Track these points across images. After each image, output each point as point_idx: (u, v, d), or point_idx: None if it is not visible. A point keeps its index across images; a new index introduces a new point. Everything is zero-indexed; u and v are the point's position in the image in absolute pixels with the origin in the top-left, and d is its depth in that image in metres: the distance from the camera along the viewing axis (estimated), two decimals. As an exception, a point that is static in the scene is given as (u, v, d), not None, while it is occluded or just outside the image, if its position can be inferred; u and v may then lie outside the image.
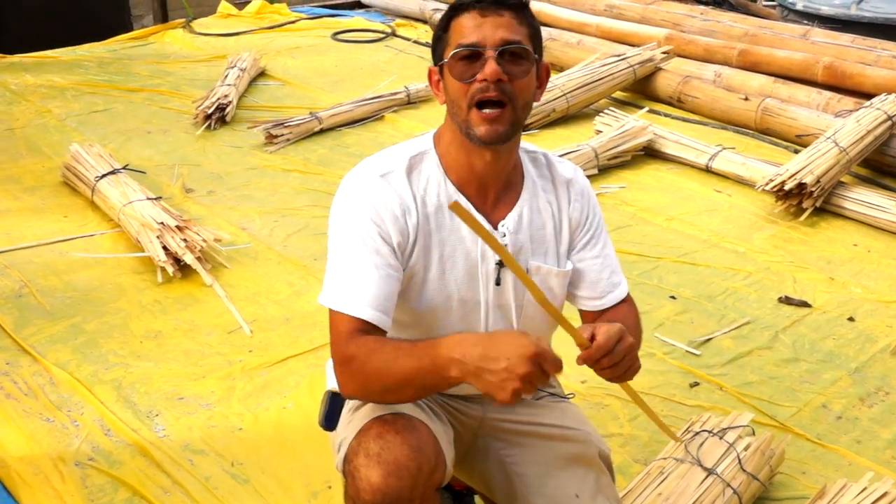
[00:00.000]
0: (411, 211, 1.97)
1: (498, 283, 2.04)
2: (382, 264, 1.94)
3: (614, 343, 1.80)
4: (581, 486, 2.08)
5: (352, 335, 1.91)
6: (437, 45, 1.99)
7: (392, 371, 1.83)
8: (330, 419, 2.11)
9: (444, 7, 8.21)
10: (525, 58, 1.92)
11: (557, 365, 1.74)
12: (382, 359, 1.84)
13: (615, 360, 1.81)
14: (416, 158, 2.03)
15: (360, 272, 1.93)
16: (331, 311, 1.96)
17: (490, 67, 1.88)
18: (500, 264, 2.03)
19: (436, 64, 2.00)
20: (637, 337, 2.10)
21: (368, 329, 1.92)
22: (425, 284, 2.02)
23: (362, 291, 1.92)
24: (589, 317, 2.20)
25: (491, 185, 2.03)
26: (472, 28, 1.91)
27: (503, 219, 2.04)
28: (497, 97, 1.89)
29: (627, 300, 2.20)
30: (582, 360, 1.82)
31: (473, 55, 1.90)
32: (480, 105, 1.90)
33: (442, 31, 1.97)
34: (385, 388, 1.86)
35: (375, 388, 1.87)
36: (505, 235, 2.03)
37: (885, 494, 2.53)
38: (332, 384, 2.08)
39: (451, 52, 1.92)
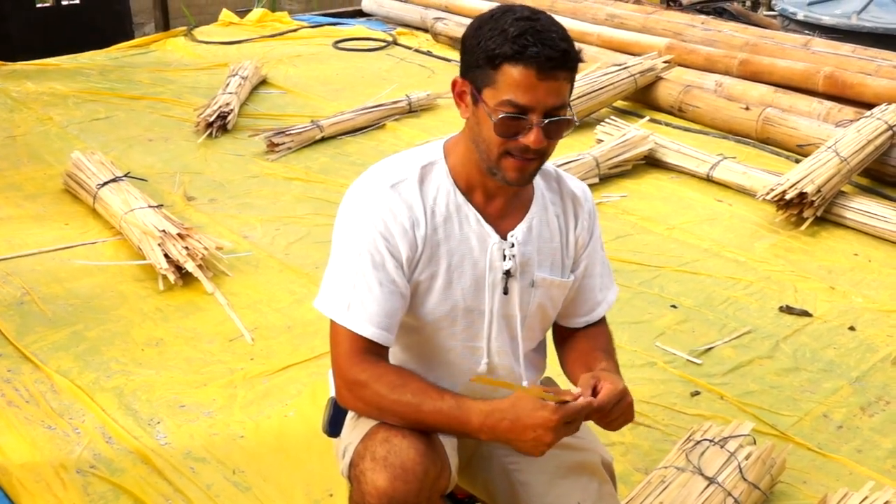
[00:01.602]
0: (420, 223, 1.97)
1: (506, 292, 2.05)
2: (387, 280, 1.94)
3: (613, 404, 1.88)
4: (584, 495, 2.08)
5: (357, 355, 1.94)
6: (478, 74, 1.89)
7: (417, 415, 1.89)
8: (334, 425, 2.12)
9: (445, 16, 8.25)
10: (567, 120, 1.90)
11: (583, 412, 1.84)
12: (406, 400, 1.89)
13: (612, 417, 1.90)
14: (428, 168, 2.02)
15: (366, 287, 1.94)
16: (332, 321, 1.97)
17: (535, 136, 1.85)
18: (508, 273, 2.04)
19: (463, 77, 1.94)
20: (613, 357, 2.19)
21: (372, 348, 1.94)
22: (431, 293, 2.02)
23: (366, 308, 1.93)
24: (561, 331, 2.28)
25: (498, 197, 2.04)
26: (524, 88, 1.83)
27: (512, 229, 2.04)
28: (534, 157, 1.91)
29: (601, 320, 2.27)
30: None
31: (519, 116, 1.86)
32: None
33: (487, 63, 1.86)
34: (403, 422, 1.91)
35: (391, 419, 1.92)
36: (514, 245, 2.03)
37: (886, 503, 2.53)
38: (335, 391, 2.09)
39: (500, 113, 1.85)
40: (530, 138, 1.86)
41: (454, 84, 1.98)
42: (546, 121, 1.85)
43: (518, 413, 1.81)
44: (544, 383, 2.39)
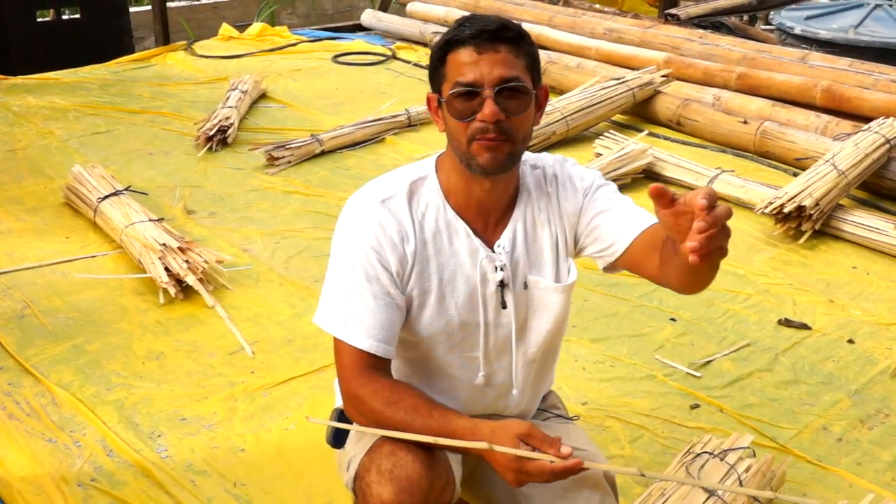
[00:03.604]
0: (409, 238, 2.00)
1: (504, 305, 2.06)
2: (382, 293, 1.97)
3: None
4: (586, 508, 2.08)
5: (357, 370, 1.97)
6: (435, 77, 1.99)
7: (409, 429, 1.89)
8: (338, 437, 2.14)
9: (444, 31, 8.27)
10: (523, 93, 1.93)
11: (548, 473, 1.79)
12: (399, 417, 1.90)
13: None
14: (417, 183, 2.05)
15: (361, 301, 1.96)
16: (334, 337, 2.00)
17: (488, 108, 1.89)
18: (502, 285, 2.05)
19: (433, 92, 2.02)
20: None
21: (372, 362, 1.97)
22: (425, 309, 2.04)
23: (363, 321, 1.96)
24: (638, 255, 2.03)
25: (491, 210, 2.05)
26: (468, 65, 1.90)
27: (499, 238, 2.06)
28: (496, 136, 1.91)
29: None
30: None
31: (471, 94, 1.90)
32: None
33: (438, 62, 1.96)
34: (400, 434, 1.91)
35: (389, 430, 1.92)
36: (502, 255, 2.05)
37: (885, 516, 2.53)
38: (340, 402, 2.10)
39: (449, 91, 1.92)
40: (485, 112, 1.89)
41: (428, 101, 2.05)
42: (496, 89, 1.89)
43: (495, 436, 1.83)
44: (549, 398, 2.40)
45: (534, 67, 1.98)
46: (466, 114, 1.91)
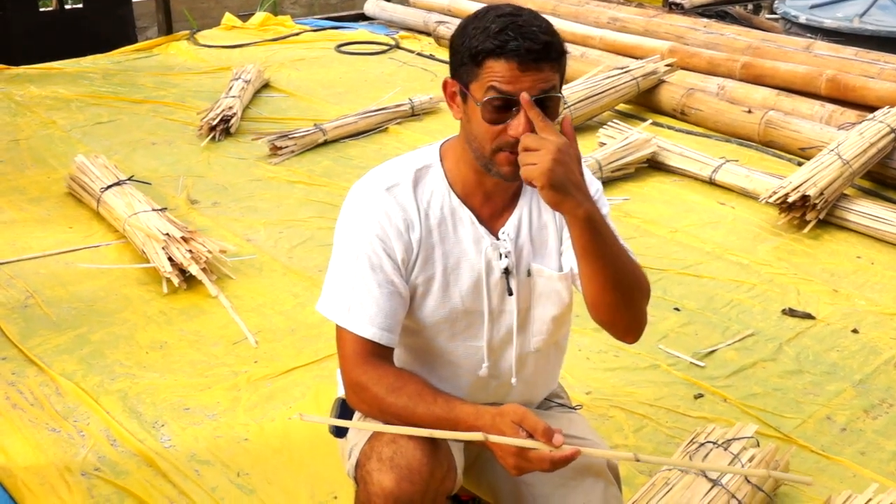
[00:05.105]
0: (414, 225, 1.99)
1: (510, 292, 2.06)
2: (386, 281, 1.96)
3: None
4: (589, 497, 2.08)
5: (360, 357, 1.96)
6: (462, 69, 1.91)
7: (412, 416, 1.88)
8: (340, 426, 2.13)
9: (447, 20, 8.25)
10: (556, 105, 1.90)
11: (547, 462, 1.80)
12: (402, 403, 1.89)
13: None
14: (422, 171, 2.04)
15: (365, 289, 1.96)
16: (337, 324, 1.99)
17: (522, 126, 1.84)
18: (507, 272, 2.04)
19: (453, 77, 1.97)
20: (633, 268, 2.11)
21: (375, 350, 1.96)
22: (429, 297, 2.03)
23: (367, 309, 1.95)
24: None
25: (497, 199, 2.05)
26: (508, 79, 1.83)
27: (504, 225, 2.05)
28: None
29: None
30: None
31: (506, 104, 1.86)
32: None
33: (471, 60, 1.87)
34: (402, 424, 1.90)
35: (391, 420, 1.92)
36: (507, 242, 2.04)
37: (890, 506, 2.53)
38: (343, 392, 2.10)
39: (485, 98, 1.86)
40: (519, 129, 1.85)
41: (445, 85, 2.00)
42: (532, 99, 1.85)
43: (495, 423, 1.82)
44: (555, 390, 2.39)
45: (563, 75, 1.94)
46: (499, 121, 1.87)
